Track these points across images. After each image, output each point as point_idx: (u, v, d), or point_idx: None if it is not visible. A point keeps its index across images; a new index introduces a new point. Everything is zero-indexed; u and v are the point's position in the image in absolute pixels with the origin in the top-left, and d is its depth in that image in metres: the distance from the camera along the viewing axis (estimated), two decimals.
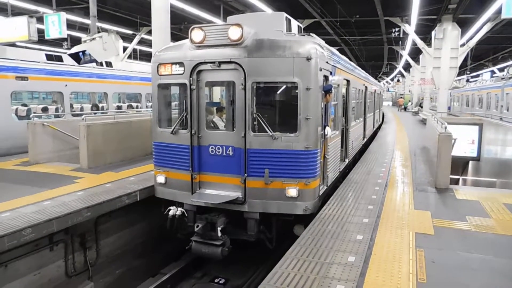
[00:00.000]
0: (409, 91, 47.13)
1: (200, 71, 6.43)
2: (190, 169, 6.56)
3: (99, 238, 7.10)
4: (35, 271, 5.94)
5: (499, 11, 14.03)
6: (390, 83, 72.04)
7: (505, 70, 29.01)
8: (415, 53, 32.90)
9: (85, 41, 9.38)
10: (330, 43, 9.54)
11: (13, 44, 13.99)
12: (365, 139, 13.92)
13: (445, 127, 8.87)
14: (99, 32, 9.57)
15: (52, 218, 5.69)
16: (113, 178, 8.27)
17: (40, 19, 11.50)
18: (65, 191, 7.18)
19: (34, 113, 13.49)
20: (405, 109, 40.85)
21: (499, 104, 21.86)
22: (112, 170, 9.00)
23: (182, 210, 6.74)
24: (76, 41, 17.03)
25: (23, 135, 10.12)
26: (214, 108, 7.65)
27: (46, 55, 14.76)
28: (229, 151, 6.35)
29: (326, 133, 6.71)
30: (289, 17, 7.37)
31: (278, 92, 6.63)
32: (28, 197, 6.71)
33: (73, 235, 6.56)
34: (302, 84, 5.92)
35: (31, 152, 9.83)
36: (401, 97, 48.95)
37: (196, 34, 6.26)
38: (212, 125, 7.03)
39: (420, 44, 21.94)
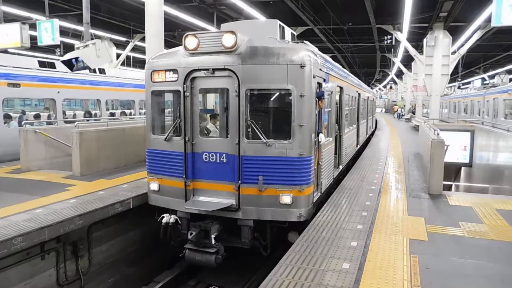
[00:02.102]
0: (402, 98, 47.50)
1: (194, 78, 6.43)
2: (184, 176, 6.53)
3: (92, 246, 7.02)
4: (26, 280, 5.85)
5: (489, 20, 14.22)
6: (382, 90, 72.64)
7: (495, 77, 29.96)
8: (407, 60, 33.24)
9: (78, 48, 9.32)
10: (323, 50, 9.60)
11: (5, 51, 13.90)
12: (359, 146, 13.98)
13: (438, 134, 8.95)
14: (92, 39, 9.53)
15: (44, 226, 5.62)
16: (106, 185, 8.21)
17: (33, 26, 11.43)
18: (57, 198, 7.10)
19: (26, 120, 13.40)
20: (398, 116, 40.53)
21: (481, 110, 23.67)
22: (105, 178, 8.94)
23: (176, 217, 6.70)
24: (69, 47, 16.98)
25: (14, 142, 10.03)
26: (208, 115, 7.65)
27: (39, 61, 14.67)
28: (223, 158, 6.34)
29: (319, 140, 6.73)
30: (282, 24, 7.42)
31: (272, 99, 6.65)
32: (19, 205, 6.63)
33: (65, 243, 6.48)
34: (295, 91, 5.95)
35: (22, 159, 9.74)
36: (394, 104, 49.33)
37: (190, 41, 6.28)
38: (206, 132, 7.03)
39: (412, 51, 22.18)
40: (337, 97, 8.99)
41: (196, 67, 6.34)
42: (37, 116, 14.01)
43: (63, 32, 18.32)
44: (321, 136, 6.77)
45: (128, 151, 10.41)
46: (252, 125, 6.12)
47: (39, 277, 6.06)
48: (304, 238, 5.32)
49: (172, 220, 6.67)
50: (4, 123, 11.78)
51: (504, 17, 10.23)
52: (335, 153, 8.91)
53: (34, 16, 15.72)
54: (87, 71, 13.33)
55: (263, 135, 6.07)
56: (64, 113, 14.10)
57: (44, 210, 6.39)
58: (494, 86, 24.37)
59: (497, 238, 5.44)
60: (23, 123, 12.06)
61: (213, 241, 6.26)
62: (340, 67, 10.61)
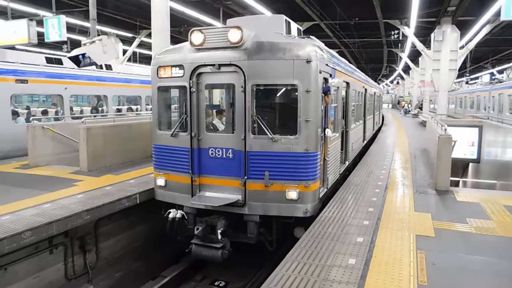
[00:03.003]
0: (409, 94, 47.09)
1: (200, 73, 6.43)
2: (190, 171, 6.55)
3: (99, 241, 7.09)
4: (35, 274, 5.93)
5: (498, 13, 14.07)
6: (389, 86, 72.14)
7: (504, 72, 29.92)
8: (415, 56, 32.95)
9: (85, 44, 9.37)
10: (330, 45, 9.54)
11: (13, 47, 13.99)
12: (365, 142, 13.92)
13: (445, 129, 8.88)
14: (99, 35, 9.56)
15: (52, 221, 5.68)
16: (113, 181, 8.26)
17: (40, 22, 11.49)
18: (65, 194, 7.17)
19: (34, 116, 13.51)
20: (405, 112, 39.53)
21: (487, 106, 24.47)
22: (112, 173, 8.99)
23: (182, 212, 6.73)
24: (76, 44, 17.02)
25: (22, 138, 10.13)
26: (214, 110, 7.65)
27: (46, 58, 14.74)
28: (229, 154, 6.35)
29: (326, 135, 6.71)
30: (288, 19, 7.38)
31: (278, 95, 6.63)
32: (28, 200, 6.70)
33: (73, 238, 6.55)
34: (302, 87, 5.93)
35: (31, 155, 9.82)
36: (402, 100, 48.83)
37: (196, 36, 6.27)
38: (212, 128, 7.03)
39: (420, 46, 21.97)
40: (343, 93, 8.95)
41: (202, 62, 6.34)
42: (44, 112, 14.13)
43: (70, 28, 18.39)
44: (328, 131, 6.76)
45: (135, 146, 10.46)
46: (258, 120, 6.11)
47: (47, 271, 6.13)
48: (310, 234, 5.32)
49: (178, 215, 6.70)
50: (12, 119, 11.89)
51: None
52: (342, 149, 8.88)
53: (41, 12, 15.82)
54: (93, 67, 13.37)
55: (269, 130, 6.06)
56: (71, 109, 14.19)
57: (52, 205, 6.45)
58: (500, 82, 24.72)
59: (505, 235, 5.40)
60: (31, 119, 12.16)
61: (219, 236, 6.28)
62: (347, 62, 10.55)
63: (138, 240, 7.98)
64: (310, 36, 7.05)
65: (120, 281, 7.34)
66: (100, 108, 16.78)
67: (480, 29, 19.87)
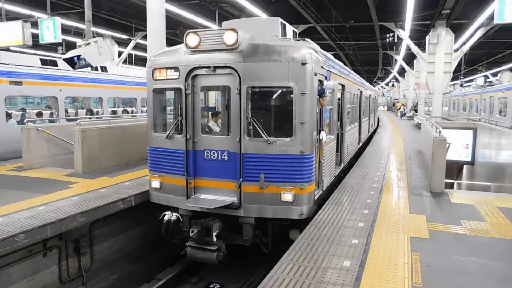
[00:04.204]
0: (404, 96, 47.32)
1: (195, 75, 6.43)
2: (185, 174, 6.54)
3: (94, 244, 7.05)
4: (29, 277, 5.89)
5: (492, 17, 14.17)
6: (385, 88, 72.49)
7: (498, 75, 30.34)
8: (410, 58, 33.14)
9: (80, 46, 9.34)
10: (325, 48, 9.59)
11: (7, 49, 13.94)
12: (360, 144, 13.96)
13: (440, 132, 8.92)
14: (94, 37, 9.54)
15: (46, 223, 5.64)
16: (108, 183, 8.23)
17: (34, 24, 11.47)
18: (60, 196, 7.13)
19: (29, 118, 13.44)
20: (402, 115, 38.79)
21: (479, 108, 25.56)
22: (107, 175, 8.96)
23: (177, 215, 6.71)
24: (71, 45, 16.97)
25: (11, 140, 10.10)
26: (210, 112, 7.65)
27: (41, 59, 14.71)
28: (224, 156, 6.35)
29: (321, 138, 6.72)
30: (284, 22, 7.40)
31: (273, 97, 6.64)
32: (21, 203, 6.66)
33: (67, 240, 6.52)
34: (297, 89, 5.94)
35: (25, 157, 9.76)
36: (397, 102, 49.06)
37: (191, 39, 6.28)
38: (207, 130, 7.03)
39: (414, 49, 22.09)
40: (338, 95, 8.98)
41: (197, 64, 6.34)
42: (39, 114, 14.05)
43: (65, 30, 18.33)
44: (323, 133, 6.77)
45: (130, 148, 10.43)
46: (254, 122, 6.12)
47: (41, 274, 6.09)
48: (305, 236, 5.33)
49: (173, 217, 6.68)
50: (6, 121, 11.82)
51: (507, 14, 10.21)
52: (337, 151, 8.91)
53: (36, 14, 15.72)
54: (89, 69, 13.35)
55: (264, 133, 6.07)
56: (66, 111, 14.12)
57: (47, 207, 6.41)
58: (491, 85, 25.47)
59: (499, 236, 5.43)
60: (25, 121, 12.09)
61: (215, 239, 6.28)
62: (342, 64, 10.59)
63: (133, 242, 7.94)
64: (306, 39, 7.08)
65: (114, 284, 7.30)
66: (84, 110, 16.67)
67: (474, 32, 20.00)
